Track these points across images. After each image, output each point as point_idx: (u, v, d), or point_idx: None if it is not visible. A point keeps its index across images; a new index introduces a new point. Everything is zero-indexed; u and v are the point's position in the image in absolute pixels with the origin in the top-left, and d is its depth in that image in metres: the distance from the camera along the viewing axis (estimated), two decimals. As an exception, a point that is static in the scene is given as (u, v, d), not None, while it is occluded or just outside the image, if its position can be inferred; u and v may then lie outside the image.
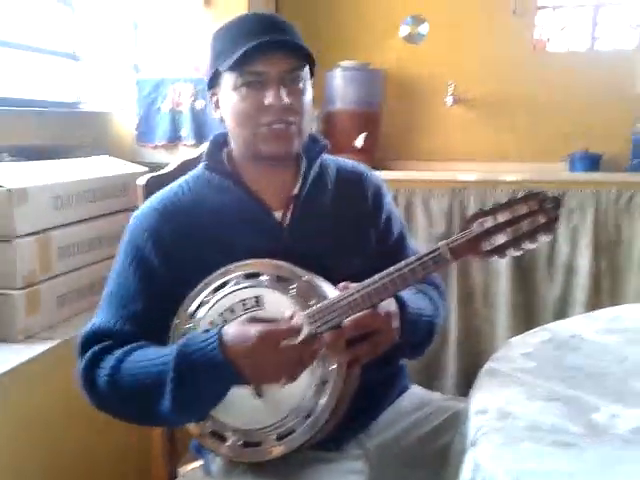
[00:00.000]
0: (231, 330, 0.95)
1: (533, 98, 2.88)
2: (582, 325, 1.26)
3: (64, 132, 2.18)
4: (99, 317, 1.08)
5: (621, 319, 1.28)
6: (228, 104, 1.08)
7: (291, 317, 0.96)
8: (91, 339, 1.05)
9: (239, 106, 1.06)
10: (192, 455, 1.23)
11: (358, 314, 0.95)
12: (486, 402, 0.91)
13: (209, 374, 0.94)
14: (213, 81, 1.11)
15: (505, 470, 0.74)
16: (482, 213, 0.93)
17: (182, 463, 1.30)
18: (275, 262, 1.02)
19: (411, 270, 0.94)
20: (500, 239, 0.91)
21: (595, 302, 2.34)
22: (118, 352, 1.01)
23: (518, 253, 0.92)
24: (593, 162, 2.62)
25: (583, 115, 2.80)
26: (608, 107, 2.77)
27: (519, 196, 0.93)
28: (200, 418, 1.02)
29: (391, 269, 0.95)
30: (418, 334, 1.10)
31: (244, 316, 0.99)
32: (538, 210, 0.91)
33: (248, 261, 1.03)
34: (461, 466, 0.84)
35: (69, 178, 1.71)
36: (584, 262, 2.38)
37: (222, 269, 1.04)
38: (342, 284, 0.98)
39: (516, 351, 1.12)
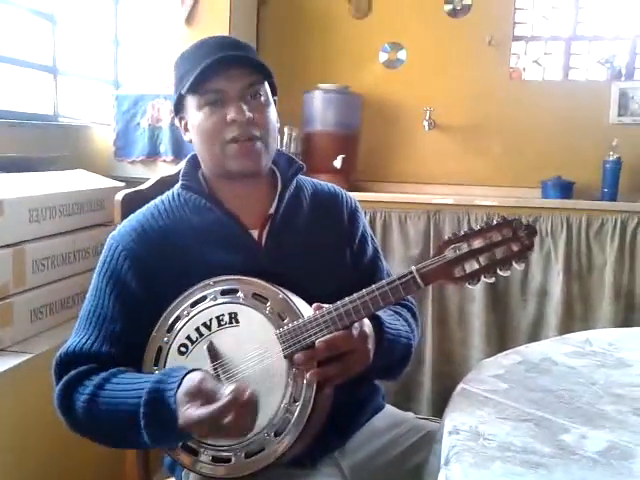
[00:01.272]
0: (181, 395, 0.91)
1: (508, 125, 2.94)
2: (553, 348, 1.28)
3: (41, 145, 2.16)
4: (76, 337, 1.06)
5: (591, 343, 1.31)
6: (194, 125, 1.09)
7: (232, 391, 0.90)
8: (68, 360, 1.04)
9: (204, 125, 1.07)
10: (166, 472, 1.22)
11: (330, 335, 0.95)
12: (459, 422, 0.92)
13: (172, 422, 0.92)
14: (179, 106, 1.12)
15: (476, 489, 0.75)
16: (455, 239, 0.93)
17: (157, 479, 1.28)
18: (252, 279, 1.03)
19: (382, 294, 0.95)
20: (473, 265, 0.92)
21: (567, 326, 2.38)
22: (96, 378, 1.00)
23: (491, 280, 0.93)
24: (565, 189, 2.68)
25: (557, 143, 2.88)
26: (581, 136, 2.84)
27: (493, 223, 0.93)
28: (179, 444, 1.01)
29: (363, 292, 0.96)
30: (394, 356, 1.11)
31: (191, 387, 0.92)
32: (512, 238, 0.92)
33: (226, 277, 1.04)
34: (433, 485, 0.85)
35: (45, 191, 1.70)
36: (556, 287, 2.43)
37: (201, 283, 1.04)
38: (315, 305, 0.99)
39: (488, 373, 1.13)
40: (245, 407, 0.88)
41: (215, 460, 1.00)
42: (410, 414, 1.26)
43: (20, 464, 1.45)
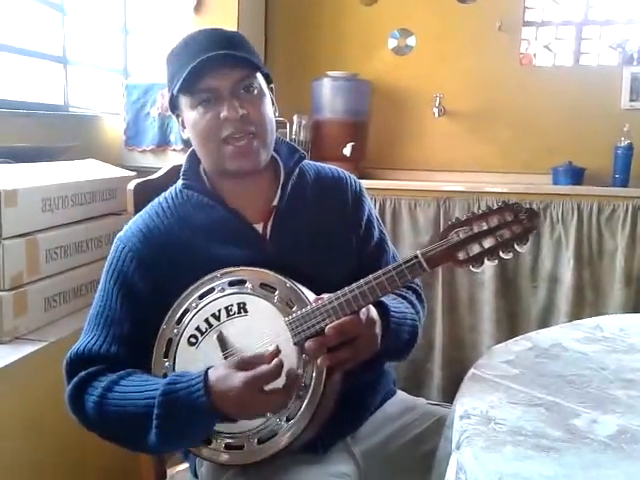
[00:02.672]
0: (215, 376, 0.95)
1: (518, 111, 2.92)
2: (563, 334, 1.28)
3: (52, 135, 2.18)
4: (85, 338, 1.07)
5: (601, 329, 1.31)
6: (190, 124, 1.08)
7: (274, 354, 0.96)
8: (77, 361, 1.06)
9: (199, 124, 1.06)
10: (180, 457, 1.24)
11: (339, 320, 0.96)
12: (470, 407, 0.93)
13: (194, 416, 0.95)
14: (173, 104, 1.12)
15: (487, 473, 0.76)
16: (459, 223, 0.95)
17: (170, 464, 1.30)
18: (259, 270, 1.04)
19: (389, 278, 0.96)
20: (476, 248, 0.94)
21: (578, 312, 2.38)
22: (106, 380, 1.01)
23: (494, 262, 0.95)
24: (576, 175, 2.67)
25: (567, 129, 2.86)
26: (592, 122, 2.82)
27: (495, 207, 0.95)
28: (187, 449, 1.03)
29: (370, 277, 0.97)
30: (401, 340, 1.11)
31: (230, 360, 0.99)
32: (513, 221, 0.94)
33: (233, 268, 1.05)
34: (446, 469, 0.85)
35: (58, 181, 1.71)
36: (567, 273, 2.42)
37: (208, 276, 1.05)
38: (314, 297, 1.00)
39: (499, 359, 1.13)
40: (297, 385, 0.95)
41: (228, 447, 1.01)
42: (421, 400, 1.27)
43: (35, 451, 1.48)
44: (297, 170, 1.16)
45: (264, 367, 0.93)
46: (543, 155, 2.85)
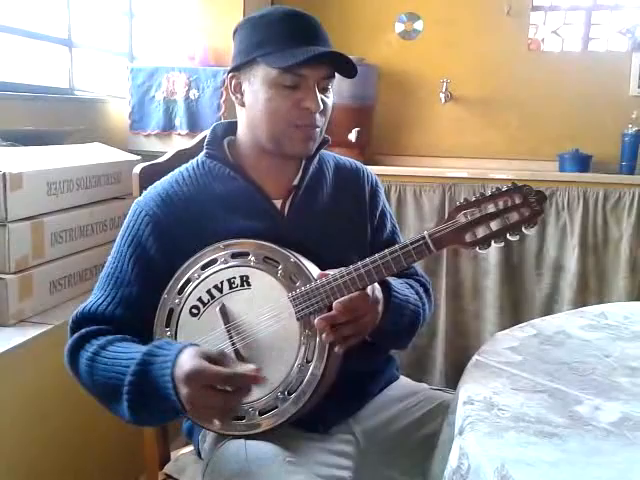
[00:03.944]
0: (182, 357, 0.91)
1: (526, 97, 2.90)
2: (567, 322, 1.28)
3: (57, 118, 2.17)
4: (93, 298, 1.09)
5: (606, 316, 1.31)
6: (260, 96, 1.07)
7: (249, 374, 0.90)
8: (82, 320, 1.07)
9: (275, 103, 1.05)
10: (184, 438, 1.25)
11: (348, 296, 0.97)
12: (473, 393, 0.93)
13: (159, 392, 0.92)
14: (242, 66, 1.09)
15: (490, 458, 0.76)
16: (467, 204, 0.95)
17: (174, 446, 1.31)
18: (263, 243, 1.04)
19: (395, 258, 0.97)
20: (483, 231, 0.94)
21: (582, 300, 2.38)
22: (102, 339, 1.02)
23: (501, 244, 0.95)
24: (583, 162, 2.65)
25: (575, 115, 2.84)
26: (600, 108, 2.80)
27: (504, 189, 0.94)
28: (159, 424, 1.03)
29: (376, 256, 0.98)
30: (402, 322, 1.12)
31: (200, 349, 0.93)
32: (522, 203, 0.94)
33: (237, 240, 1.05)
34: (448, 454, 0.86)
35: (63, 164, 1.71)
36: (572, 261, 2.42)
37: (211, 247, 1.05)
38: (319, 273, 1.00)
39: (503, 345, 1.14)
40: (249, 383, 0.89)
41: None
42: (424, 385, 1.28)
43: (40, 433, 1.49)
44: (319, 154, 1.18)
45: (214, 368, 0.88)
46: (549, 142, 2.83)
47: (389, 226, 1.25)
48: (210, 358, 0.90)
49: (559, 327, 1.24)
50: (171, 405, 0.91)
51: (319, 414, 1.05)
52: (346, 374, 1.07)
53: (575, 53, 3.00)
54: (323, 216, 1.15)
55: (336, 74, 1.10)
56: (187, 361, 0.89)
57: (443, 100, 2.92)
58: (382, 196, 1.26)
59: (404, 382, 1.28)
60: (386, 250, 0.97)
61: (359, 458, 1.12)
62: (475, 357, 1.08)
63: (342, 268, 0.98)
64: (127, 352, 0.99)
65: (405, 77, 3.01)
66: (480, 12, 2.92)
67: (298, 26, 1.07)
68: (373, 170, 1.30)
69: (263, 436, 1.02)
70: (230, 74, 1.13)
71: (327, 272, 1.00)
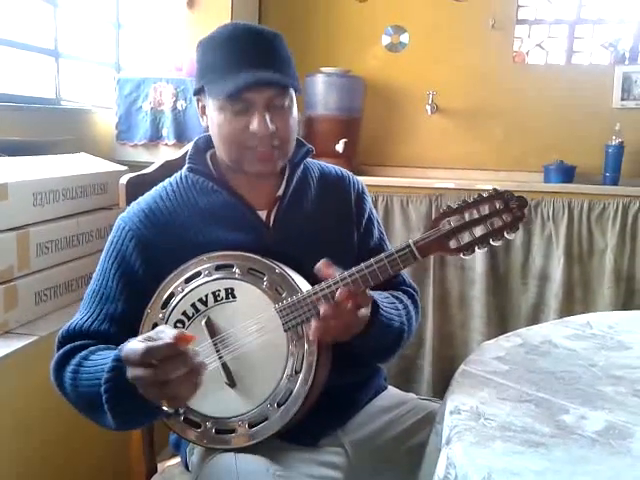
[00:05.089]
0: (125, 349, 0.89)
1: (511, 109, 2.93)
2: (553, 331, 1.29)
3: (43, 128, 2.16)
4: (78, 315, 1.08)
5: (591, 326, 1.32)
6: (213, 121, 1.08)
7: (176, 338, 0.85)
8: (68, 338, 1.06)
9: (225, 128, 1.06)
10: (171, 450, 1.24)
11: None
12: (460, 403, 0.93)
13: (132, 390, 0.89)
14: (199, 91, 1.11)
15: (477, 467, 0.76)
16: (450, 211, 0.96)
17: (161, 458, 1.30)
18: (247, 255, 1.04)
19: (381, 267, 0.97)
20: (467, 237, 0.96)
21: (567, 309, 2.40)
22: (84, 352, 1.01)
23: (484, 249, 0.97)
24: (567, 173, 2.68)
25: (559, 127, 2.87)
26: (584, 120, 2.84)
27: (485, 195, 0.96)
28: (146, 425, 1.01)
29: (362, 265, 0.98)
30: (385, 340, 1.12)
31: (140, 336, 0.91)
32: (504, 209, 0.95)
33: (220, 253, 1.05)
34: (435, 464, 0.86)
35: (49, 175, 1.70)
36: (557, 270, 2.44)
37: (194, 260, 1.05)
38: (324, 262, 0.99)
39: (489, 355, 1.14)
40: (188, 352, 0.84)
41: (219, 432, 1.02)
42: (412, 395, 1.28)
43: (24, 445, 1.47)
44: (302, 164, 1.18)
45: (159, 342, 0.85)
46: (535, 153, 2.86)
47: (377, 233, 1.25)
48: (150, 338, 0.86)
49: (545, 337, 1.25)
50: (141, 400, 0.88)
51: (307, 426, 1.05)
52: (334, 385, 1.07)
53: (559, 66, 3.04)
54: (309, 225, 1.15)
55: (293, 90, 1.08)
56: (127, 346, 0.88)
57: (429, 112, 2.94)
58: (369, 202, 1.26)
59: (392, 392, 1.28)
60: (372, 259, 0.98)
61: (348, 470, 1.11)
62: (462, 367, 1.09)
63: (329, 279, 0.98)
64: (105, 359, 0.96)
65: (391, 89, 3.03)
66: (465, 25, 2.95)
67: (240, 48, 1.04)
68: (359, 180, 1.30)
69: (253, 449, 1.01)
70: (195, 97, 1.14)
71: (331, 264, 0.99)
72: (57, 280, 1.71)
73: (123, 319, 1.06)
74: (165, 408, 0.88)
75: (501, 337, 1.25)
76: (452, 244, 0.96)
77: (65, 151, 2.03)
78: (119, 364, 0.89)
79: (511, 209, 0.95)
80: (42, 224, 1.65)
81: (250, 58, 1.04)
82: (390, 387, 1.29)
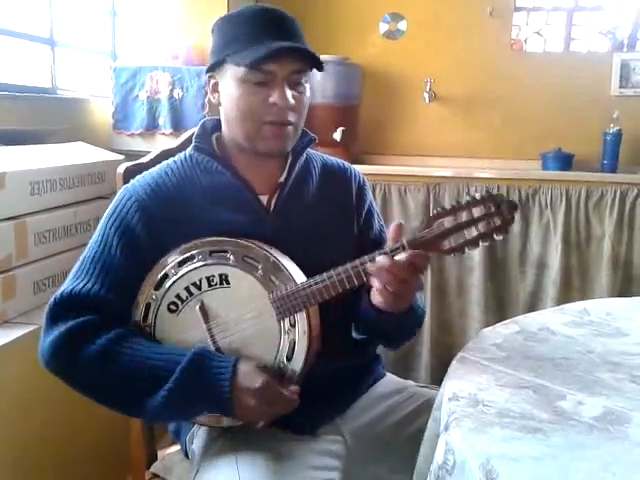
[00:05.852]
0: (244, 368, 0.98)
1: (509, 97, 2.93)
2: (551, 318, 1.29)
3: (39, 117, 2.15)
4: (77, 281, 1.05)
5: (588, 313, 1.32)
6: (231, 95, 1.08)
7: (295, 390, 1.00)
8: (69, 302, 1.02)
9: (244, 101, 1.06)
10: (171, 438, 1.24)
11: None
12: (458, 389, 0.94)
13: (208, 393, 0.97)
14: (216, 66, 1.11)
15: (475, 453, 0.77)
16: (444, 212, 0.98)
17: (161, 446, 1.31)
18: (242, 242, 1.04)
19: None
20: (458, 238, 0.97)
21: (565, 297, 2.41)
22: (111, 333, 1.00)
23: (474, 250, 0.99)
24: (565, 161, 2.68)
25: (557, 115, 2.87)
26: (582, 108, 2.83)
27: (477, 197, 0.97)
28: (176, 421, 1.06)
29: (356, 261, 0.99)
30: (407, 322, 1.14)
31: (258, 367, 1.00)
32: (494, 212, 0.97)
33: (215, 238, 1.05)
34: (434, 450, 0.87)
35: (46, 164, 1.70)
36: (555, 258, 2.44)
37: (188, 244, 1.04)
38: (396, 224, 1.00)
39: (487, 342, 1.15)
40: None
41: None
42: (410, 382, 1.29)
43: (23, 432, 1.48)
44: (305, 153, 1.19)
45: (285, 392, 0.99)
46: (533, 141, 2.86)
47: (377, 225, 1.26)
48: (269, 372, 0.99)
49: (543, 324, 1.25)
50: (214, 404, 0.98)
51: (307, 414, 1.06)
52: (333, 373, 1.08)
53: (557, 53, 3.03)
54: (309, 213, 1.15)
55: (311, 69, 1.10)
56: (252, 373, 0.98)
57: (427, 100, 2.93)
58: (369, 195, 1.27)
59: (390, 379, 1.28)
60: (366, 256, 0.99)
61: (347, 457, 1.12)
62: (460, 354, 1.09)
63: (324, 273, 1.00)
64: (158, 347, 1.03)
65: (389, 77, 3.02)
66: (463, 13, 2.94)
67: (265, 22, 1.07)
68: (358, 169, 1.31)
69: (252, 439, 1.04)
70: (208, 74, 1.14)
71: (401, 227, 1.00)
72: (55, 270, 1.71)
73: (125, 288, 1.05)
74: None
75: (499, 324, 1.25)
76: (444, 244, 0.98)
77: (62, 140, 2.03)
78: (199, 361, 0.98)
79: (502, 212, 0.97)
80: (39, 213, 1.65)
81: (276, 30, 1.06)
82: (388, 374, 1.30)
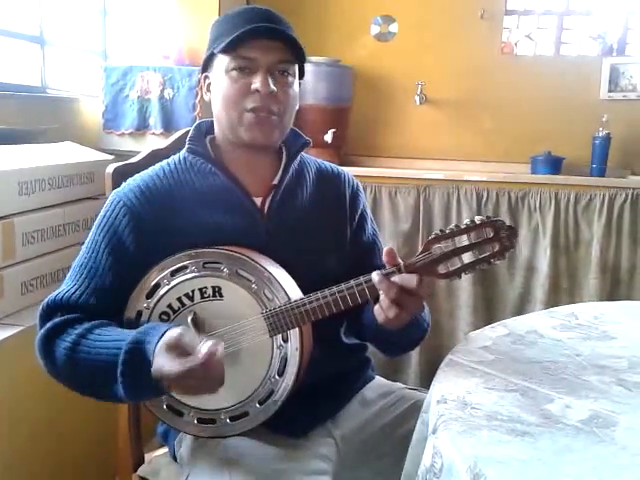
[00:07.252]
0: (158, 360, 0.91)
1: (499, 100, 2.94)
2: (539, 321, 1.30)
3: (29, 117, 2.14)
4: (65, 287, 1.07)
5: (576, 316, 1.33)
6: (218, 87, 1.10)
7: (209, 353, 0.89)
8: (54, 308, 1.05)
9: (228, 89, 1.08)
10: (158, 440, 1.24)
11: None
12: (446, 392, 0.94)
13: (147, 384, 0.93)
14: (207, 64, 1.13)
15: (463, 456, 0.77)
16: (441, 236, 0.97)
17: (148, 449, 1.30)
18: (237, 255, 1.03)
19: (370, 287, 0.98)
20: (455, 263, 0.97)
21: (554, 300, 2.42)
22: (80, 328, 1.00)
23: (471, 273, 1.00)
24: (555, 165, 2.69)
25: (547, 118, 2.88)
26: (571, 111, 2.85)
27: (477, 222, 0.97)
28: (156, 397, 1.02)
29: (351, 282, 0.99)
30: (414, 334, 1.16)
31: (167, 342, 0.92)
32: (493, 237, 0.96)
33: (209, 249, 1.04)
34: (422, 453, 0.87)
35: (34, 164, 1.68)
36: (544, 261, 2.45)
37: (182, 253, 1.04)
38: (388, 249, 0.99)
39: (476, 344, 1.15)
40: (217, 366, 0.88)
41: (200, 422, 1.03)
42: (399, 384, 1.29)
43: (13, 435, 1.47)
44: (300, 156, 1.19)
45: (190, 364, 0.87)
46: (523, 144, 2.87)
47: (369, 230, 1.26)
48: (181, 351, 0.90)
49: (531, 327, 1.25)
50: (156, 392, 0.94)
51: (298, 418, 1.06)
52: (324, 376, 1.08)
53: (548, 57, 3.04)
54: (302, 216, 1.15)
55: (296, 61, 1.11)
56: (165, 360, 0.90)
57: (418, 102, 2.94)
58: (363, 200, 1.27)
59: (379, 382, 1.29)
60: (361, 277, 0.99)
61: (338, 460, 1.12)
62: (449, 356, 1.09)
63: (318, 292, 1.00)
64: (115, 333, 0.99)
65: (380, 79, 3.03)
66: (454, 15, 2.95)
67: (253, 15, 1.09)
68: (349, 171, 1.31)
69: (244, 442, 1.04)
70: (203, 74, 1.15)
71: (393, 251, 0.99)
72: (44, 270, 1.70)
73: (110, 294, 1.05)
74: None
75: (487, 327, 1.26)
76: (441, 269, 0.97)
77: (51, 140, 2.02)
78: (137, 346, 0.93)
79: (501, 238, 0.96)
80: (28, 213, 1.63)
81: (260, 20, 1.07)
82: (377, 377, 1.30)
